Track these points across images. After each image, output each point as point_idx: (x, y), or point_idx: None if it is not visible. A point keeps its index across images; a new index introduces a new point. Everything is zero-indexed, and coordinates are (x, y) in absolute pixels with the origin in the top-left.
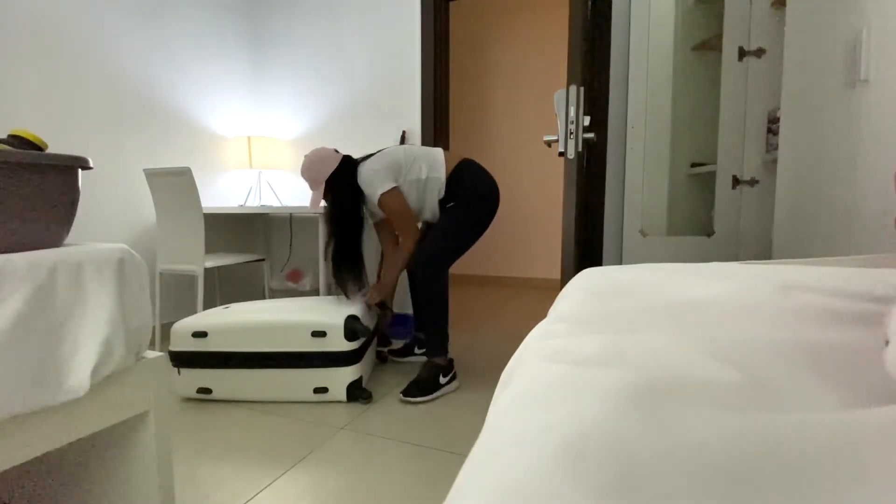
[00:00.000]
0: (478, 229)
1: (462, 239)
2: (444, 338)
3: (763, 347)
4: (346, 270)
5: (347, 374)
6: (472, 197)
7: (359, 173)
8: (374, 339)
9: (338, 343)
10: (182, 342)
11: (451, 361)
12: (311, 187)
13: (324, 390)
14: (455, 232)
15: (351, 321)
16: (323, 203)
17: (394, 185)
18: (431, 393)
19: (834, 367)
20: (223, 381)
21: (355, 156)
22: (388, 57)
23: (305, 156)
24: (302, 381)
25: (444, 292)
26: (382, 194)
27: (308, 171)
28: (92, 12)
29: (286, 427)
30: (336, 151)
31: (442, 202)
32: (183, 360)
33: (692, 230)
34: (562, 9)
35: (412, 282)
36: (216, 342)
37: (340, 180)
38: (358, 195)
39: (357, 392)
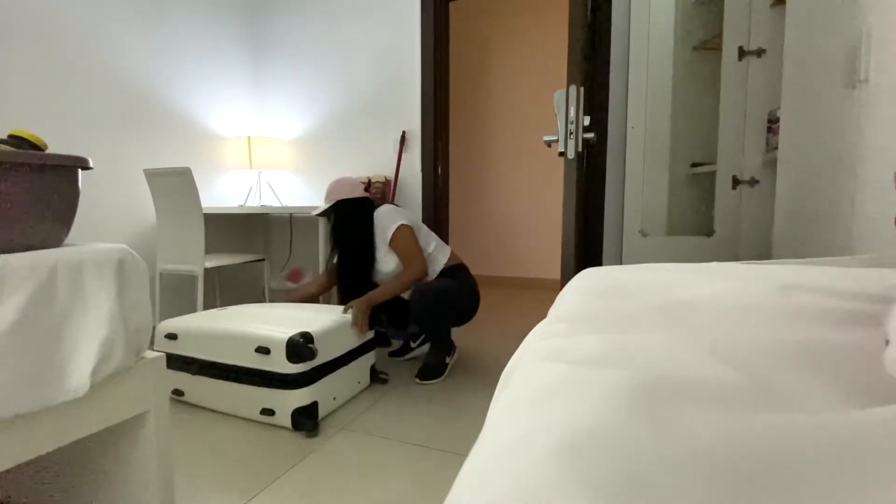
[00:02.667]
0: (465, 304)
1: (459, 297)
2: (448, 344)
3: (763, 347)
4: (347, 283)
5: (293, 398)
6: (465, 284)
7: (375, 213)
8: (352, 359)
9: (280, 363)
10: (159, 342)
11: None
12: (325, 200)
13: (270, 412)
14: (456, 288)
15: (296, 341)
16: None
17: (411, 225)
18: (442, 374)
19: (834, 367)
20: (191, 385)
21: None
22: (388, 57)
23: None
24: (250, 398)
25: (441, 325)
26: (401, 226)
27: (330, 188)
28: (92, 12)
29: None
30: (366, 190)
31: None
32: (167, 361)
33: (692, 230)
34: (562, 9)
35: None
36: (183, 346)
37: (351, 206)
38: (365, 229)
39: (302, 420)
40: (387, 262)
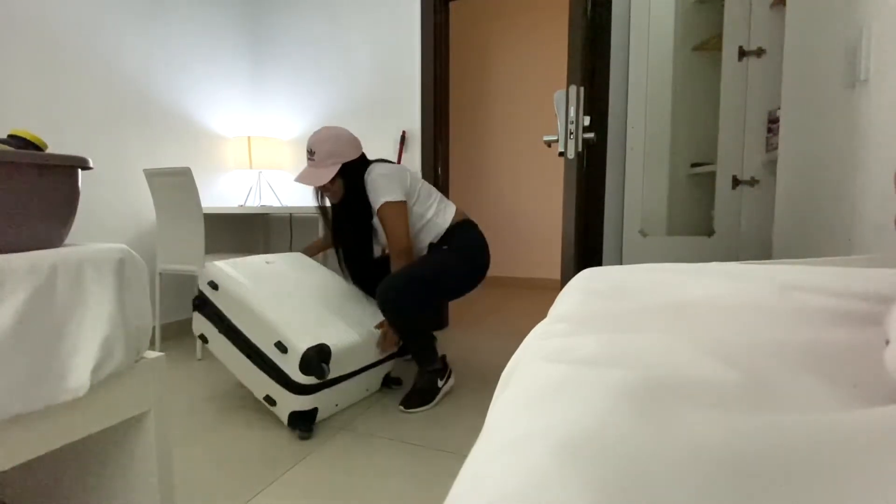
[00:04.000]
0: (460, 283)
1: (442, 283)
2: (429, 346)
3: (763, 347)
4: (363, 271)
5: (294, 401)
6: (465, 250)
7: (367, 172)
8: (365, 370)
9: (291, 367)
10: (202, 283)
11: (443, 359)
12: (319, 161)
13: (272, 402)
14: (436, 275)
15: (310, 357)
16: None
17: (403, 198)
18: (432, 400)
19: (834, 367)
20: (216, 338)
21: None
22: (388, 57)
23: (326, 127)
24: (259, 381)
25: (415, 318)
26: (388, 202)
27: (326, 144)
28: (92, 12)
29: (286, 427)
30: None
31: (432, 245)
32: (198, 301)
33: (692, 230)
34: (562, 9)
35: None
36: (220, 299)
37: (357, 172)
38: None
39: (298, 422)
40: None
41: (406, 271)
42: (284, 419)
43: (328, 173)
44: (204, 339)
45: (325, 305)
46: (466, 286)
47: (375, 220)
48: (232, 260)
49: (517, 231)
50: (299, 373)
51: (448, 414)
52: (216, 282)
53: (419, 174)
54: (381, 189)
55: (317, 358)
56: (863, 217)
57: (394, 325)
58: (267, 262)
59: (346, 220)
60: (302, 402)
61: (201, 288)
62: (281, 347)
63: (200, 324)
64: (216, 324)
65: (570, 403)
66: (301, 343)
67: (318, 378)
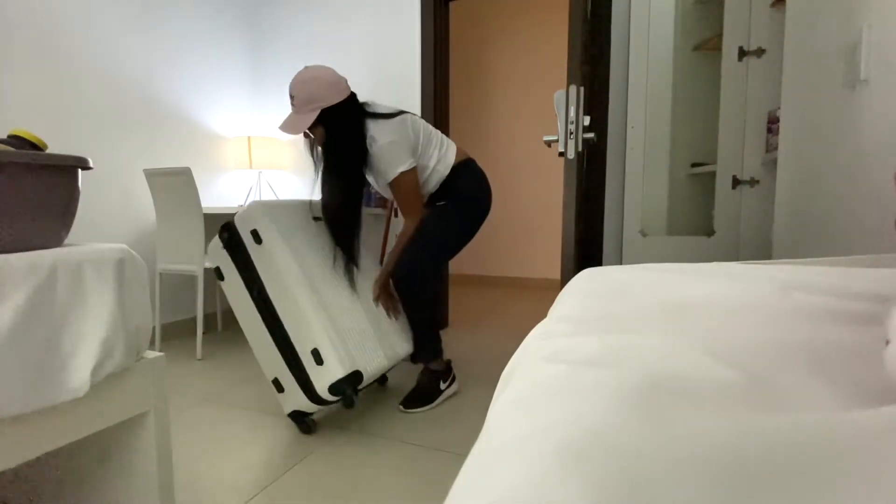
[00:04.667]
0: (465, 236)
1: (448, 245)
2: (435, 341)
3: (763, 347)
4: (343, 230)
5: (303, 402)
6: (466, 200)
7: (370, 138)
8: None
9: (319, 381)
10: (242, 227)
11: (448, 364)
12: (299, 107)
13: (280, 388)
14: (442, 238)
15: (342, 388)
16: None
17: (413, 161)
18: (433, 401)
19: (834, 367)
20: (236, 289)
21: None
22: (388, 57)
23: (307, 68)
24: (274, 364)
25: (428, 298)
26: (402, 173)
27: (305, 87)
28: (92, 12)
29: (287, 427)
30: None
31: (432, 196)
32: (229, 239)
33: (692, 230)
34: (561, 9)
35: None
36: (259, 258)
37: (344, 116)
38: (361, 142)
39: (299, 421)
40: (387, 191)
41: (417, 251)
42: (286, 409)
43: (307, 120)
44: (220, 275)
45: (366, 308)
46: (471, 235)
47: (379, 186)
48: (279, 206)
49: (517, 231)
50: (326, 391)
51: (448, 414)
52: (261, 236)
53: (417, 114)
54: (391, 160)
55: (350, 388)
56: (863, 217)
57: (407, 304)
58: (315, 219)
59: (329, 173)
60: (310, 407)
61: (239, 229)
62: (317, 357)
63: (223, 259)
64: (247, 283)
65: (571, 404)
66: (339, 367)
67: (345, 406)
